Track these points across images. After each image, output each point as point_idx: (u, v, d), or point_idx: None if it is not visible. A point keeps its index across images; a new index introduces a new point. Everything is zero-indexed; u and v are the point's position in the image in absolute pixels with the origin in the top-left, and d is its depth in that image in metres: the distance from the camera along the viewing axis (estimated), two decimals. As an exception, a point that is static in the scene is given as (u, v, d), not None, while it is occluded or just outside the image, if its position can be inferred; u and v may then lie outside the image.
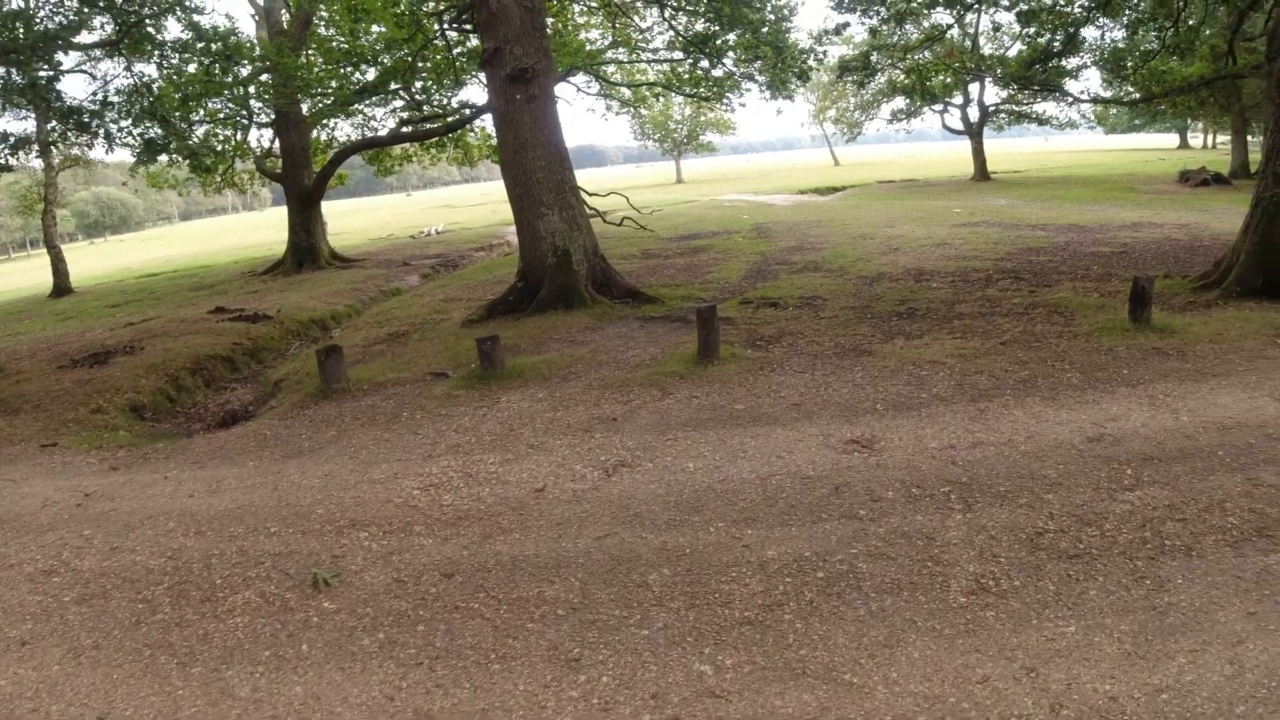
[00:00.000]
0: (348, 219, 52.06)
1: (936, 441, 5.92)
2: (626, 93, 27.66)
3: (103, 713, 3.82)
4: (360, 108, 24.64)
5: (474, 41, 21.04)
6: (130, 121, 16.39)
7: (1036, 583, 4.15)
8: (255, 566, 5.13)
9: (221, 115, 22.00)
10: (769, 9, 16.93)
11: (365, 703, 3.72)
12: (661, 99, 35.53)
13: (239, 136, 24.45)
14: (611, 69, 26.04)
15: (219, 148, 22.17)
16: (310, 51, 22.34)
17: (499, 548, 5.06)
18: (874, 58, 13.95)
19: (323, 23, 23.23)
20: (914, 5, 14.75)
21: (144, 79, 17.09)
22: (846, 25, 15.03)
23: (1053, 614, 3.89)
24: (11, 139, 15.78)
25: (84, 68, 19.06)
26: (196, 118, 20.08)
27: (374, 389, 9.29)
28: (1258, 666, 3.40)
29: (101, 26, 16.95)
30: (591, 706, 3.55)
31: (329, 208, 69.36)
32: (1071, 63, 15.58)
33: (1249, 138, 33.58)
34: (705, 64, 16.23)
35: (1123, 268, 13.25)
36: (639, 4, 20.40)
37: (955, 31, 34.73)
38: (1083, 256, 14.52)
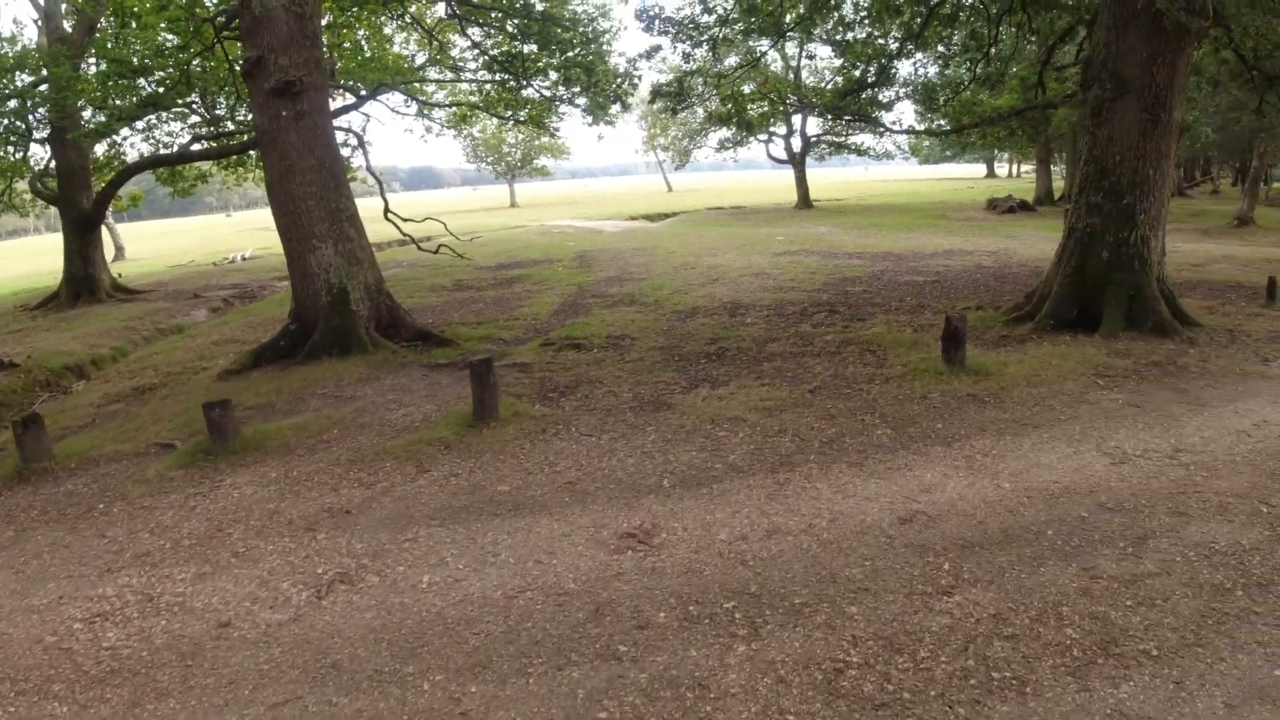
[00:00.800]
0: (154, 242, 47.53)
1: (726, 531, 4.84)
2: (443, 114, 26.12)
3: None
4: (150, 122, 22.07)
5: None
6: None
7: (834, 757, 3.08)
8: None
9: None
10: (580, 31, 15.96)
11: None
12: (494, 121, 34.18)
13: (17, 154, 21.39)
14: (432, 88, 24.48)
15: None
16: (92, 60, 19.71)
17: (128, 729, 3.58)
18: (688, 84, 13.11)
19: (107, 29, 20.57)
20: (727, 32, 14.11)
21: None
22: (658, 49, 14.20)
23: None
24: None
25: None
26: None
27: (84, 467, 7.44)
28: None
29: None
30: None
31: (131, 230, 63.79)
32: (886, 95, 15.44)
33: (1052, 167, 35.57)
34: (514, 85, 15.01)
35: (935, 298, 12.94)
36: (448, 19, 19.03)
37: (778, 64, 35.22)
38: (897, 286, 14.21)
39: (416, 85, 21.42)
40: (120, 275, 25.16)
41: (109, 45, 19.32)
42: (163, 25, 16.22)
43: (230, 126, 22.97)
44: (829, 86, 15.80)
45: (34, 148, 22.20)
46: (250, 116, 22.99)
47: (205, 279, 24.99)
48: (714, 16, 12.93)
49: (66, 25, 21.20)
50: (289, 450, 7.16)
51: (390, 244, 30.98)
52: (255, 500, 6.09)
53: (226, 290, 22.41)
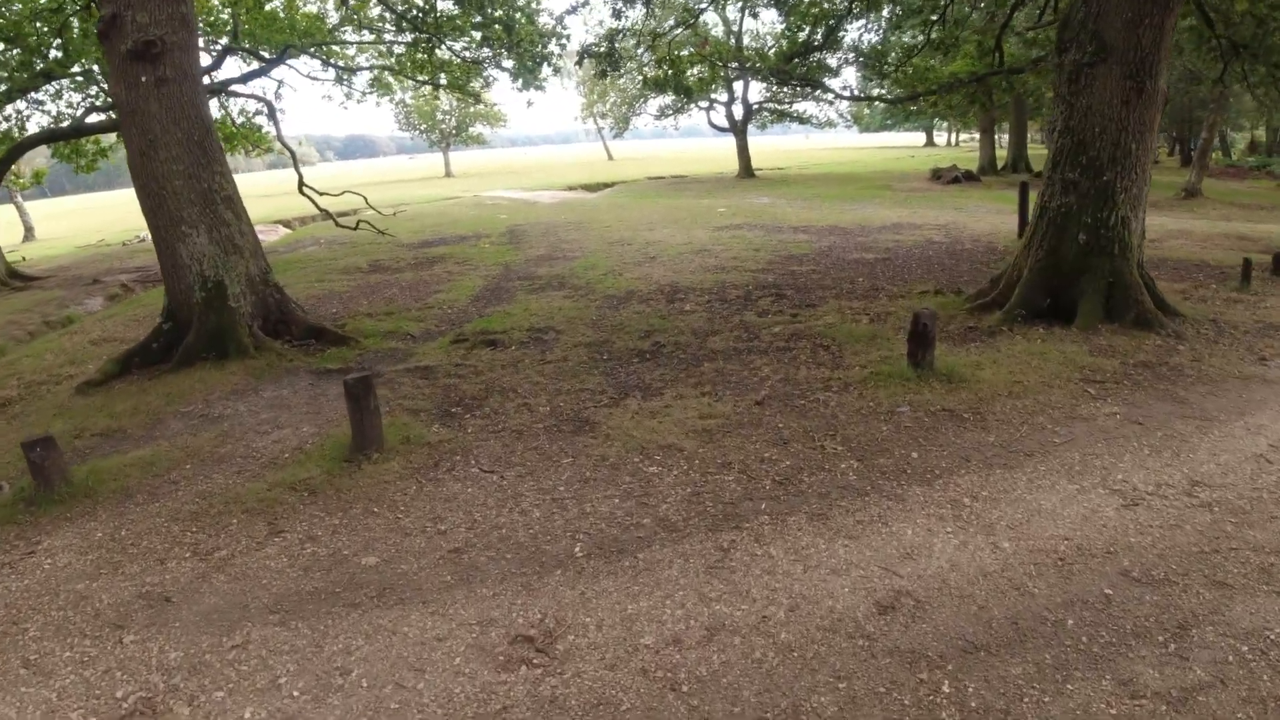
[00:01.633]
0: (69, 220, 44.42)
1: (653, 631, 3.62)
2: (363, 79, 24.21)
3: None
4: (49, 92, 19.94)
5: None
6: None
7: None
8: None
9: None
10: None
11: None
12: (425, 88, 32.10)
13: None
14: (352, 51, 22.54)
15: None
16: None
17: None
18: (620, 45, 11.72)
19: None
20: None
21: None
22: (586, 3, 12.73)
23: None
24: None
25: None
26: None
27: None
28: None
29: None
30: None
31: (47, 207, 60.04)
32: (833, 60, 14.24)
33: (995, 136, 34.89)
34: (427, 46, 13.41)
35: (888, 279, 11.87)
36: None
37: (718, 28, 33.77)
38: (846, 265, 13.11)
39: (330, 48, 19.60)
40: (24, 259, 22.98)
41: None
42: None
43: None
44: (772, 51, 14.53)
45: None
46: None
47: (110, 261, 22.88)
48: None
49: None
50: (126, 496, 5.75)
51: (309, 219, 29.06)
52: (67, 576, 4.70)
53: (129, 274, 20.44)
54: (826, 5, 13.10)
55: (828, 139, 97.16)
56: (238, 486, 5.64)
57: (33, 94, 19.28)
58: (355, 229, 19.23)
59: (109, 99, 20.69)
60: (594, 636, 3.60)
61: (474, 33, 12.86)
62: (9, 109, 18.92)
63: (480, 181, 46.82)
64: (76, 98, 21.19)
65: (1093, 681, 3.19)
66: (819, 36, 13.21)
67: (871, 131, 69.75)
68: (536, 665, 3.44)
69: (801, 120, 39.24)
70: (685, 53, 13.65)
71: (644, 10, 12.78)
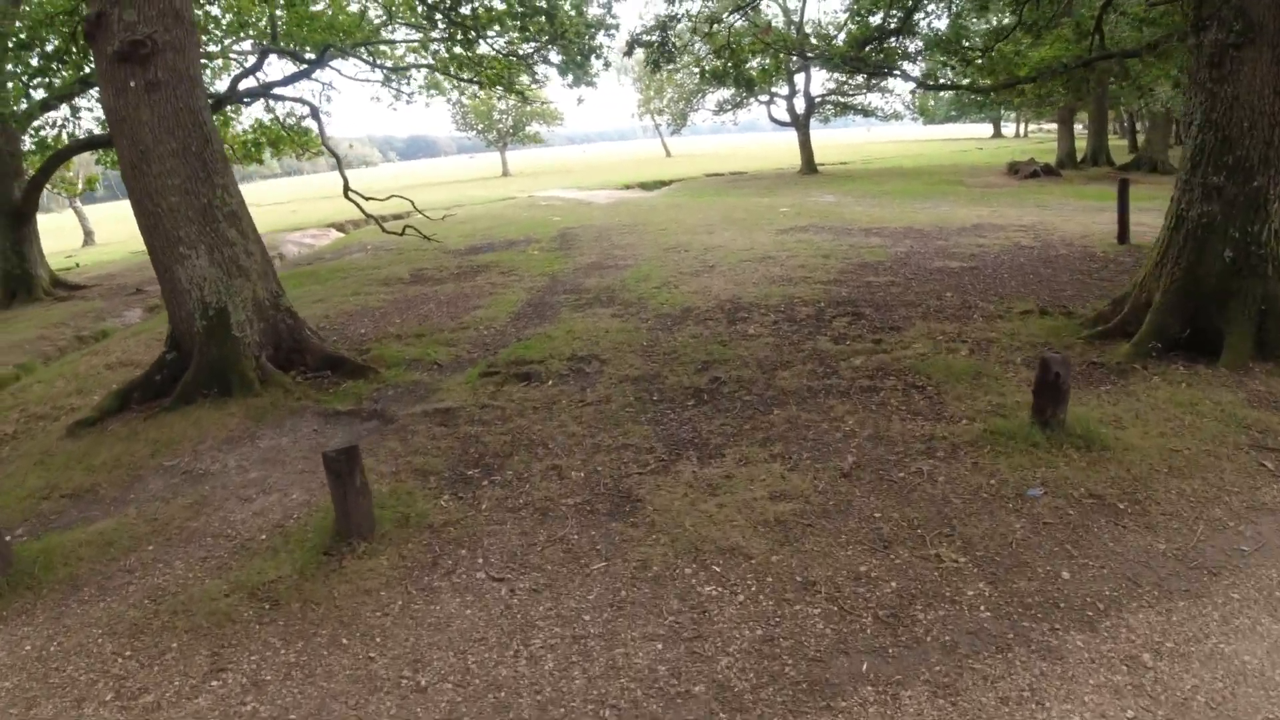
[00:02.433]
0: (125, 224, 44.78)
1: None
2: (417, 79, 23.19)
3: None
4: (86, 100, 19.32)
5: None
6: None
7: None
8: None
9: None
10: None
11: None
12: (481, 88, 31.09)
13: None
14: (400, 50, 21.55)
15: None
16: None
17: None
18: (672, 32, 10.37)
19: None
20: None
21: None
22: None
23: None
24: None
25: None
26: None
27: None
28: None
29: None
30: None
31: (112, 210, 60.96)
32: (911, 45, 12.67)
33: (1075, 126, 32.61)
34: (464, 40, 12.23)
35: (980, 292, 10.31)
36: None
37: (779, 19, 32.11)
38: (928, 276, 11.56)
39: (374, 48, 18.60)
40: (77, 265, 22.64)
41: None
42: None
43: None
44: (842, 38, 13.04)
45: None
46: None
47: (159, 265, 22.40)
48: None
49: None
50: (73, 589, 4.64)
51: (361, 223, 28.31)
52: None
53: (176, 279, 19.81)
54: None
55: (889, 131, 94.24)
56: (194, 585, 4.47)
57: (77, 99, 18.68)
58: (401, 234, 18.25)
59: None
60: None
61: (513, 22, 11.62)
62: (52, 115, 18.30)
63: (536, 181, 45.87)
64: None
65: None
66: (894, 20, 11.65)
67: (935, 123, 66.96)
68: None
69: (866, 113, 37.28)
70: (745, 41, 12.20)
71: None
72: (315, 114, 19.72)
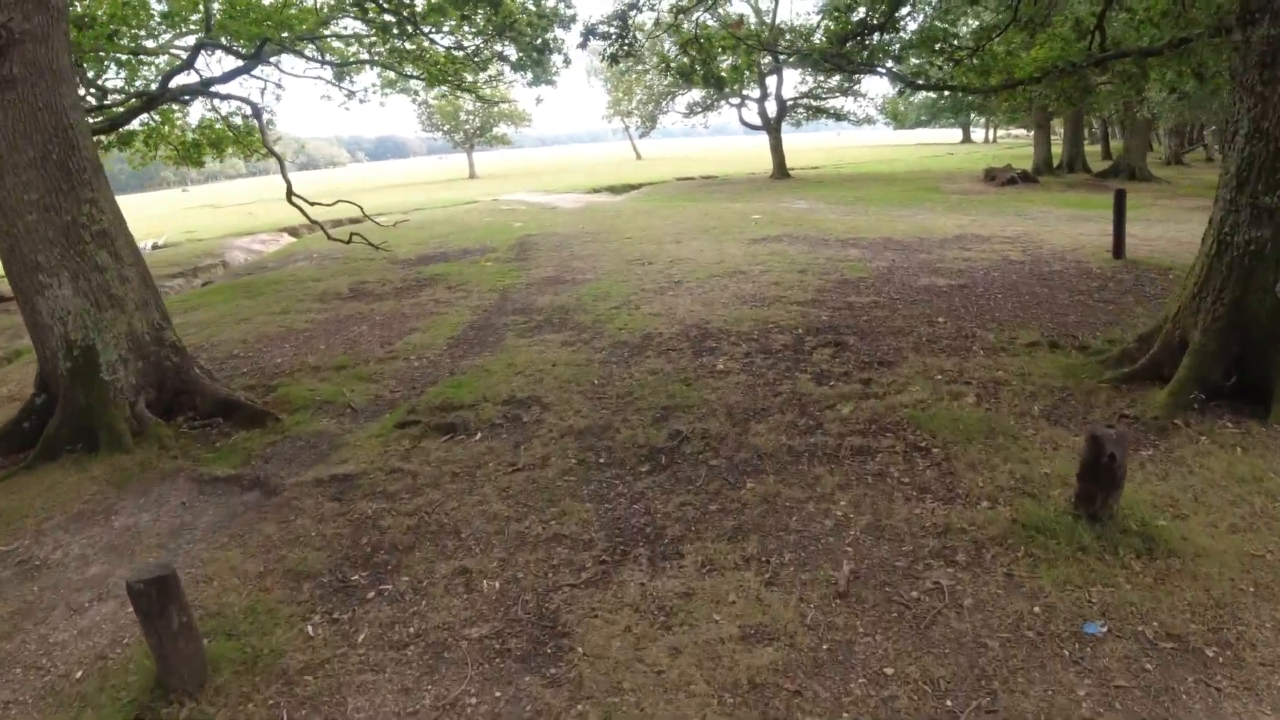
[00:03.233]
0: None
1: None
2: (370, 76, 21.59)
3: None
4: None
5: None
6: None
7: None
8: None
9: None
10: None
11: None
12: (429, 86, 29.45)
13: None
14: (348, 45, 19.95)
15: None
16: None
17: None
18: (633, 24, 9.04)
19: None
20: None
21: None
22: (593, -25, 10.06)
23: None
24: None
25: None
26: None
27: None
28: None
29: None
30: None
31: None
32: (894, 43, 11.44)
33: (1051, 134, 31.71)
34: (398, 33, 10.81)
35: (975, 316, 9.10)
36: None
37: (750, 20, 30.87)
38: (915, 295, 10.34)
39: (311, 42, 17.06)
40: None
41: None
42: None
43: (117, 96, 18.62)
44: (819, 35, 11.82)
45: None
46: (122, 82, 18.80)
47: (92, 273, 20.68)
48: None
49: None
50: None
51: (310, 228, 26.74)
52: None
53: (106, 289, 18.16)
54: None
55: (859, 136, 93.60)
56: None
57: None
58: (348, 242, 16.75)
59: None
60: None
61: (454, 11, 10.19)
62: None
63: (503, 184, 44.33)
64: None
65: None
66: (877, 16, 10.42)
67: (906, 128, 66.19)
68: None
69: (839, 117, 36.16)
70: (715, 36, 10.89)
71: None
72: (257, 113, 18.16)
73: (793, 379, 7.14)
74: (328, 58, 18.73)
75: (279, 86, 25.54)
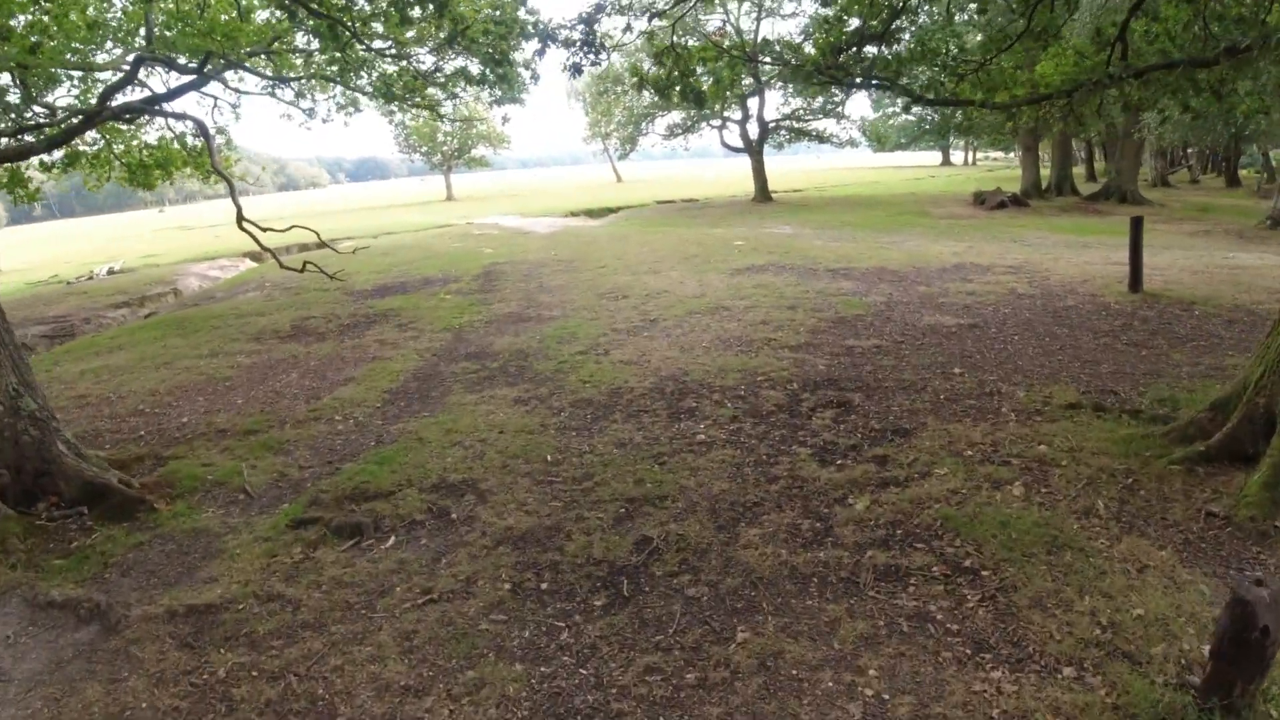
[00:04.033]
0: (46, 248, 40.62)
1: None
2: (332, 93, 20.15)
3: None
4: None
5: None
6: None
7: None
8: None
9: None
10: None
11: None
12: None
13: None
14: (298, 61, 18.48)
15: None
16: None
17: None
18: (598, 25, 7.69)
19: None
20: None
21: None
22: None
23: None
24: None
25: None
26: None
27: None
28: None
29: None
30: None
31: (34, 232, 56.33)
32: (887, 53, 10.17)
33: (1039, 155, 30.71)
34: (331, 38, 9.46)
35: (996, 365, 7.79)
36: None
37: (732, 36, 29.71)
38: (922, 337, 9.03)
39: (260, 58, 15.66)
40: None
41: None
42: None
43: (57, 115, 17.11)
44: (810, 45, 10.58)
45: None
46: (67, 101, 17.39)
47: (35, 306, 19.01)
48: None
49: None
50: None
51: (282, 251, 25.20)
52: None
53: (44, 325, 16.57)
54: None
55: (839, 159, 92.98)
56: None
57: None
58: (302, 271, 15.30)
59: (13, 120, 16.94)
60: None
61: (394, 12, 8.82)
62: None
63: (479, 206, 42.96)
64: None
65: None
66: (877, 24, 9.20)
67: (887, 151, 65.45)
68: None
69: (822, 139, 35.05)
70: (693, 44, 9.58)
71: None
72: (204, 132, 16.70)
73: (790, 455, 5.76)
74: (285, 74, 17.33)
75: (233, 107, 23.94)
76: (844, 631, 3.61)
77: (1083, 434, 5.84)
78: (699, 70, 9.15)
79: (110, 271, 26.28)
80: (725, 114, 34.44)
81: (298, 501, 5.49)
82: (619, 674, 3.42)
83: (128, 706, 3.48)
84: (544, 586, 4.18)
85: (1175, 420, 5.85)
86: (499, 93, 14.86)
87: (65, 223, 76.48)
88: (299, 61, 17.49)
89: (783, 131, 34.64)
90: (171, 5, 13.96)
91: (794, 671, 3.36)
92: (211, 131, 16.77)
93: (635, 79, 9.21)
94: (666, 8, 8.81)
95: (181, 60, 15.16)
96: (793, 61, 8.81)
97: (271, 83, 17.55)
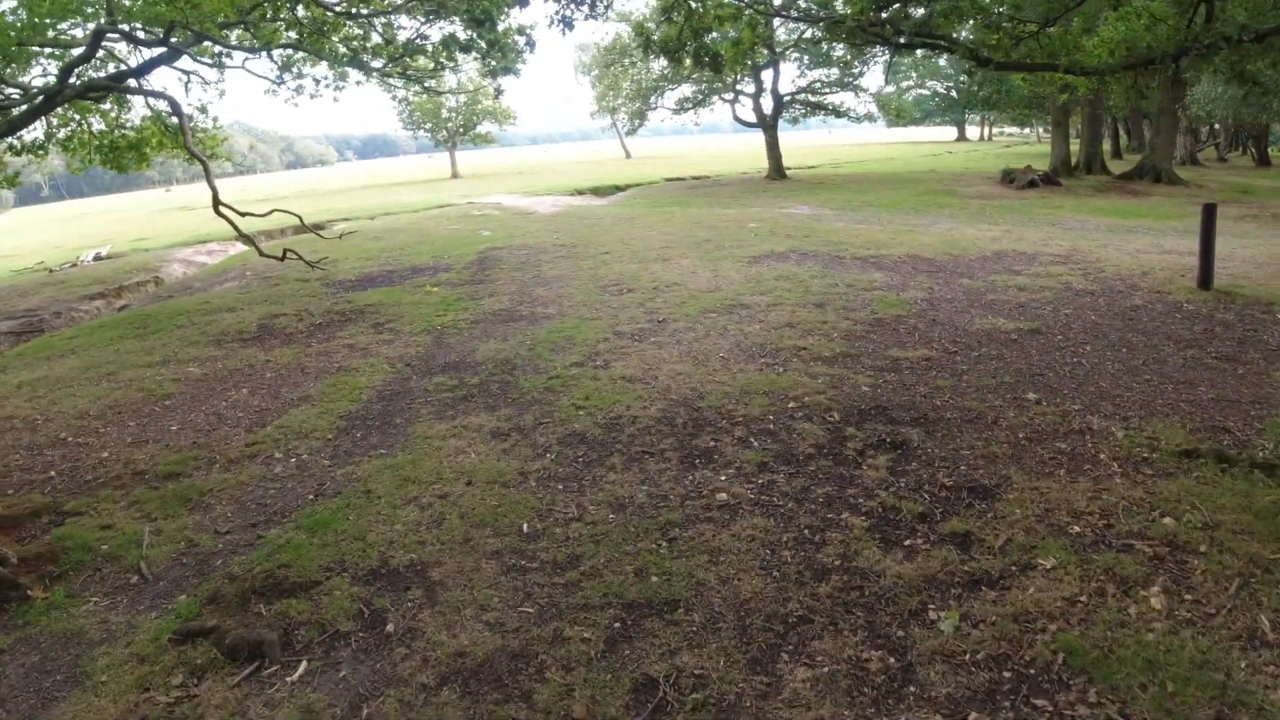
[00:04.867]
0: (45, 232, 39.29)
1: None
2: (321, 74, 18.66)
3: None
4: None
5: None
6: None
7: None
8: None
9: None
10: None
11: None
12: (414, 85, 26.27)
13: None
14: (281, 34, 16.98)
15: None
16: None
17: None
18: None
19: None
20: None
21: None
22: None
23: None
24: None
25: None
26: None
27: None
28: None
29: None
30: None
31: (41, 213, 55.25)
32: (919, 10, 8.70)
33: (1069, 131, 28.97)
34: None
35: (1075, 387, 6.39)
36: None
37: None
38: (977, 344, 7.62)
39: (254, 30, 14.23)
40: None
41: None
42: None
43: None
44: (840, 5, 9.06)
45: None
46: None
47: (11, 298, 17.67)
48: None
49: None
50: None
51: (275, 234, 23.83)
52: None
53: (13, 321, 15.26)
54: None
55: (851, 134, 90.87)
56: None
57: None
58: (281, 259, 13.95)
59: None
60: None
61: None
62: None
63: (483, 184, 41.40)
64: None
65: None
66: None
67: (902, 125, 63.40)
68: None
69: (839, 113, 33.30)
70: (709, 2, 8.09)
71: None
72: (176, 110, 15.30)
73: (841, 527, 4.38)
74: (258, 46, 15.86)
75: (212, 84, 22.40)
76: None
77: (1212, 498, 4.44)
78: (714, 34, 7.73)
79: (97, 257, 24.93)
80: (738, 87, 32.72)
81: (196, 593, 4.15)
82: None
83: None
84: (499, 775, 2.83)
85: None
86: (493, 62, 13.41)
87: (73, 204, 75.22)
88: (274, 30, 16.00)
89: (797, 105, 32.90)
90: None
91: None
92: (185, 109, 15.38)
93: (641, 38, 7.80)
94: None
95: (141, 34, 13.79)
96: (828, 18, 7.32)
97: (246, 55, 16.14)
